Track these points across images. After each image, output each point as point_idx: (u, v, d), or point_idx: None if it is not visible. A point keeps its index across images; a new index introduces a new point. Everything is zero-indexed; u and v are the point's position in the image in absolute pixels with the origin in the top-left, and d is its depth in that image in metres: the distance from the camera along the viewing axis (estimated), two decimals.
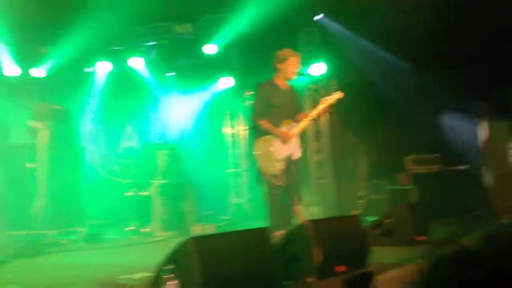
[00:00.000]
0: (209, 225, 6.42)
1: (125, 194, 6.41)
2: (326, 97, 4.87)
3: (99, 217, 6.82)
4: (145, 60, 8.39)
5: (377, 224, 4.64)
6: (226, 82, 8.14)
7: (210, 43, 7.92)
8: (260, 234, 2.82)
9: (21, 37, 7.52)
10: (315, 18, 7.51)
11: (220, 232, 2.78)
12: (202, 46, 7.94)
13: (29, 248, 4.87)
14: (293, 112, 5.04)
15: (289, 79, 5.00)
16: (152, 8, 7.22)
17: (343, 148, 7.77)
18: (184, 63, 8.24)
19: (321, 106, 4.86)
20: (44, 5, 6.95)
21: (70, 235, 5.85)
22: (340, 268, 3.05)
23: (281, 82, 4.98)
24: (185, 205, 6.52)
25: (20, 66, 8.11)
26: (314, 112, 4.93)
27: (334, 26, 7.53)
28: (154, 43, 8.34)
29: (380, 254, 3.69)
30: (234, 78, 8.18)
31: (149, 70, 8.47)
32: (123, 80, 8.47)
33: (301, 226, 3.17)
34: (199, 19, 7.96)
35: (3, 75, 8.02)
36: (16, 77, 8.15)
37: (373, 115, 7.28)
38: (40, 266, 4.32)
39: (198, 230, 6.21)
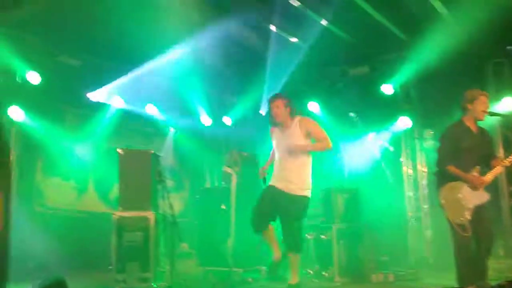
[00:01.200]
0: (388, 273, 6.18)
1: (307, 236, 6.57)
2: None
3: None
4: (321, 103, 8.68)
5: None
6: (405, 122, 7.91)
7: (387, 83, 7.86)
8: None
9: (211, 89, 8.47)
10: (508, 48, 6.91)
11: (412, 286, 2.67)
12: (378, 86, 7.93)
13: (220, 284, 5.26)
14: (485, 156, 4.67)
15: (478, 120, 4.68)
16: (327, 51, 7.51)
17: None
18: (361, 104, 8.28)
19: None
20: (232, 61, 7.76)
21: (255, 273, 6.18)
22: None
23: (471, 124, 4.67)
24: (363, 251, 6.41)
25: (211, 116, 9.13)
26: (510, 158, 4.50)
27: None
28: (329, 86, 8.61)
29: None
30: (412, 117, 7.91)
31: (325, 113, 8.71)
32: None
33: (499, 287, 2.88)
34: (376, 60, 7.99)
35: (202, 125, 9.12)
36: (209, 126, 9.19)
37: None
38: None
39: (378, 278, 6.03)
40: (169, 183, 6.25)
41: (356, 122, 8.25)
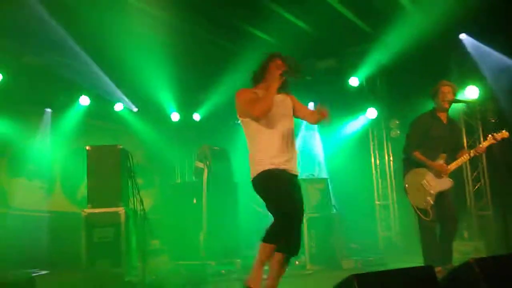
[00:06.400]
0: (359, 259, 6.31)
1: None
2: (492, 135, 4.55)
3: (253, 249, 7.12)
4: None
5: None
6: (372, 113, 8.07)
7: (354, 75, 7.98)
8: (426, 272, 2.73)
9: (181, 85, 8.42)
10: (460, 36, 7.10)
11: (382, 270, 2.75)
12: (346, 79, 8.04)
13: (193, 277, 5.25)
14: (452, 146, 4.83)
15: (443, 109, 4.82)
16: (295, 45, 7.56)
17: (505, 175, 7.09)
18: (328, 97, 8.37)
19: (484, 144, 4.59)
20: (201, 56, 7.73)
21: (228, 265, 6.21)
22: None
23: (441, 114, 4.83)
24: (334, 239, 6.52)
25: (180, 112, 9.10)
26: (476, 150, 4.66)
27: (477, 44, 7.04)
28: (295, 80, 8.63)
29: None
30: (378, 108, 8.07)
31: None
32: None
33: (467, 264, 2.99)
34: (342, 52, 8.08)
35: (170, 121, 9.08)
36: (178, 122, 9.15)
37: None
38: None
39: (348, 264, 6.15)
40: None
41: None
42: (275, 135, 3.54)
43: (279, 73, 3.55)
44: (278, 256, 3.40)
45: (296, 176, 3.61)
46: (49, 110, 7.87)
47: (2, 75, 6.88)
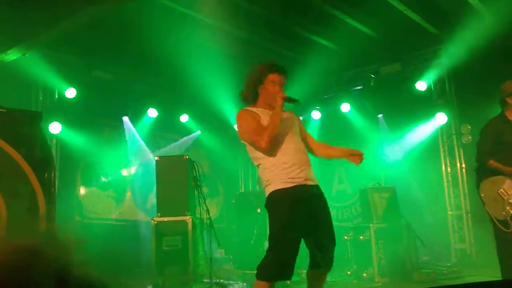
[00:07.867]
0: (431, 272, 6.04)
1: (344, 237, 6.50)
2: None
3: None
4: (352, 104, 8.58)
5: None
6: (441, 118, 7.73)
7: (420, 80, 7.71)
8: (505, 287, 2.54)
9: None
10: None
11: (457, 284, 2.60)
12: (412, 84, 7.78)
13: None
14: None
15: None
16: (357, 51, 7.43)
17: None
18: (394, 103, 8.14)
19: None
20: None
21: (294, 276, 6.15)
22: None
23: None
24: (404, 250, 6.30)
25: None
26: None
27: None
28: (361, 87, 8.50)
29: None
30: (448, 113, 7.72)
31: (358, 114, 8.62)
32: (333, 126, 8.79)
33: None
34: (408, 56, 7.85)
35: (234, 132, 9.18)
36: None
37: None
38: None
39: (420, 277, 5.89)
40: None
41: (386, 122, 8.17)
42: (284, 152, 3.24)
43: (282, 99, 3.22)
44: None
45: (312, 186, 3.26)
46: (126, 117, 8.19)
47: (75, 89, 7.23)
